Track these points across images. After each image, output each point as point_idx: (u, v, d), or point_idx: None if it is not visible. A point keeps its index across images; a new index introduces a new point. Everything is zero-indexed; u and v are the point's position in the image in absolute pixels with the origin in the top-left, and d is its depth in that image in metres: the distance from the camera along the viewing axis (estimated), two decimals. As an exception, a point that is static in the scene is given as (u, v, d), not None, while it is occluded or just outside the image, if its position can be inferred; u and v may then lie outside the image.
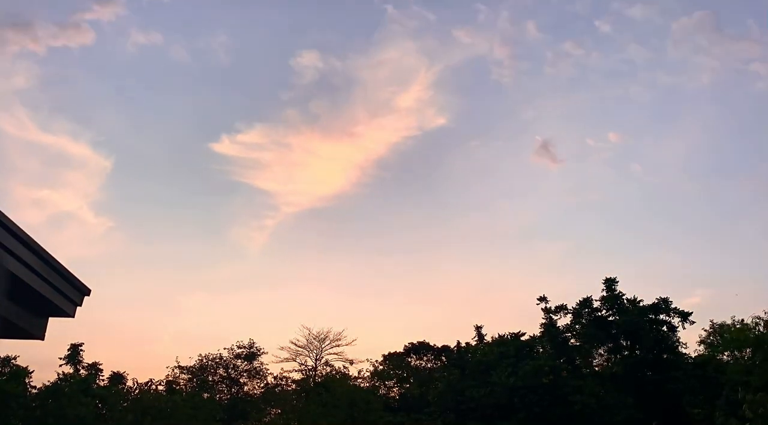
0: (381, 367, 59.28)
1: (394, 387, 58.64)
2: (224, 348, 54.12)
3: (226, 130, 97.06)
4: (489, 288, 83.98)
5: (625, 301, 48.77)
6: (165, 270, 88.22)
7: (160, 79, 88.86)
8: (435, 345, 60.89)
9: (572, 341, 50.41)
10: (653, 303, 48.21)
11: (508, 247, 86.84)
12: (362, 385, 54.01)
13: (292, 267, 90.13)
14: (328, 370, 55.55)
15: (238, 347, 54.08)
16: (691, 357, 47.49)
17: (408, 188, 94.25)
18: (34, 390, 41.40)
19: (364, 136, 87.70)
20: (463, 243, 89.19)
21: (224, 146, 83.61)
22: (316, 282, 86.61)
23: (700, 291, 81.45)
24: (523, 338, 50.77)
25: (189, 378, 52.59)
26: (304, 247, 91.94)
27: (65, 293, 6.43)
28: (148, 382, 47.84)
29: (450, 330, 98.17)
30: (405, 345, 61.14)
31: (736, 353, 40.15)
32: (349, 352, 57.31)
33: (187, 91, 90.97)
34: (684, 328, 47.76)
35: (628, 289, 49.74)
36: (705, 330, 46.26)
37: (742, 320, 41.21)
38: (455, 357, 55.42)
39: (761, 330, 37.55)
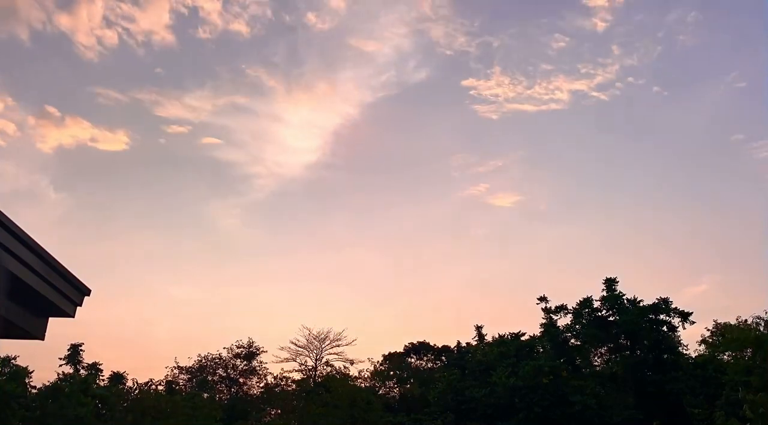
0: (381, 367, 59.32)
1: (394, 387, 58.67)
2: (224, 348, 54.24)
3: (176, 89, 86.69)
4: (489, 287, 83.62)
5: (625, 301, 48.79)
6: (141, 256, 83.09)
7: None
8: (435, 345, 61.02)
9: (572, 341, 50.43)
10: (653, 303, 48.23)
11: (508, 244, 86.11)
12: (362, 385, 54.00)
13: (273, 258, 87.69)
14: (329, 370, 55.60)
15: (238, 347, 54.14)
16: (691, 357, 47.52)
17: (389, 164, 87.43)
18: (34, 390, 41.36)
19: (336, 93, 79.80)
20: (459, 237, 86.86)
21: (176, 109, 76.39)
22: (298, 276, 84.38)
23: (707, 278, 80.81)
24: (523, 338, 50.83)
25: (189, 378, 52.64)
26: (284, 234, 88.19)
27: (65, 293, 6.41)
28: (148, 382, 47.93)
29: (450, 330, 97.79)
30: (405, 345, 61.28)
31: (736, 353, 40.10)
32: (349, 352, 57.45)
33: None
34: (684, 328, 47.89)
35: (629, 288, 50.11)
36: (706, 330, 46.23)
37: (745, 320, 41.17)
38: (455, 357, 55.48)
39: (762, 329, 37.48)
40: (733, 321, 42.84)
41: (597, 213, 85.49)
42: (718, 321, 45.29)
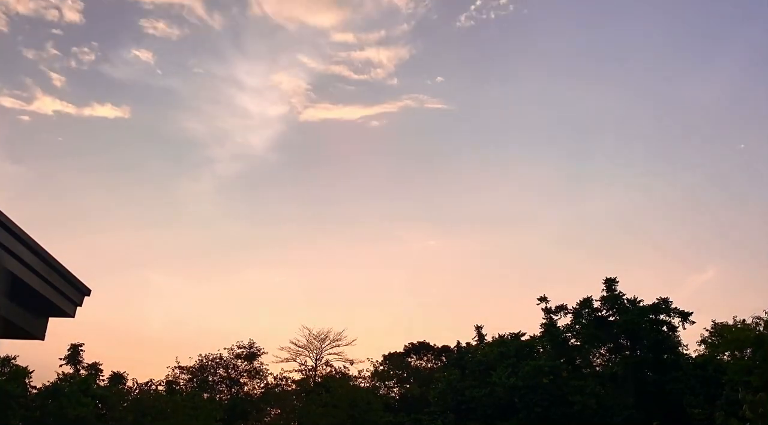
0: (381, 367, 59.34)
1: (394, 387, 58.70)
2: (224, 348, 54.20)
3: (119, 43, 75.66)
4: (490, 287, 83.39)
5: (625, 301, 48.79)
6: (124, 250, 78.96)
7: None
8: (435, 345, 61.04)
9: (572, 341, 50.42)
10: (653, 303, 48.24)
11: (508, 244, 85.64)
12: (362, 385, 54.02)
13: (269, 256, 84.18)
14: (329, 370, 55.62)
15: (239, 347, 54.11)
16: (691, 357, 47.52)
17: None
18: (34, 390, 41.39)
19: (304, 41, 72.88)
20: (459, 234, 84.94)
21: (118, 70, 71.01)
22: (295, 274, 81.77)
23: (713, 267, 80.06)
24: (523, 338, 50.80)
25: (189, 378, 52.61)
26: (260, 217, 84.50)
27: (65, 293, 6.41)
28: (148, 382, 47.93)
29: (450, 330, 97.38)
30: (405, 345, 61.30)
31: (736, 353, 40.14)
32: (349, 352, 57.46)
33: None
34: (684, 328, 47.89)
35: (629, 288, 49.95)
36: (705, 330, 46.25)
37: (743, 320, 41.21)
38: (455, 357, 55.46)
39: (761, 329, 37.53)
40: (730, 321, 42.96)
41: (596, 209, 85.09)
42: (716, 321, 45.38)
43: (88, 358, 49.13)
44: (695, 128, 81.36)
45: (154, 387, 47.89)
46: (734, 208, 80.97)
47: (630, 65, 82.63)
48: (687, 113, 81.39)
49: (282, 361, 55.43)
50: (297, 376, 55.28)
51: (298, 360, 55.89)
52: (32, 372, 41.99)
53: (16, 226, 5.42)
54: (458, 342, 57.47)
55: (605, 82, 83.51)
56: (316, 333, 55.75)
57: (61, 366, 47.67)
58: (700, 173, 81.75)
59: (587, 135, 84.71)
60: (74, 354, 48.50)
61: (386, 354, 60.51)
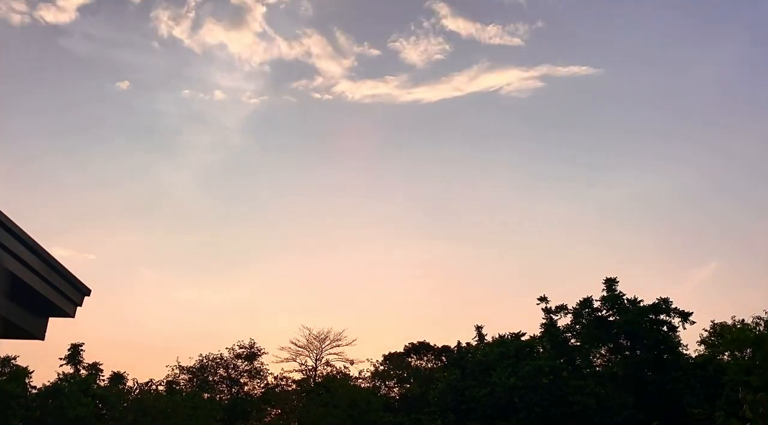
0: (381, 367, 59.32)
1: (394, 387, 58.66)
2: (225, 348, 54.22)
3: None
4: (490, 287, 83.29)
5: (625, 301, 48.80)
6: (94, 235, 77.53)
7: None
8: (435, 345, 60.99)
9: (572, 341, 50.44)
10: (653, 303, 48.26)
11: (509, 244, 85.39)
12: (363, 385, 54.00)
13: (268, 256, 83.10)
14: (329, 370, 55.62)
15: (239, 347, 54.12)
16: (691, 357, 47.52)
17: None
18: (34, 390, 41.39)
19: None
20: (459, 233, 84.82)
21: (79, 44, 68.90)
22: (294, 275, 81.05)
23: (713, 264, 79.95)
24: (523, 338, 50.80)
25: (189, 378, 52.61)
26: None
27: (65, 293, 6.41)
28: (148, 382, 47.93)
29: (450, 330, 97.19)
30: (405, 345, 61.25)
31: (736, 353, 40.19)
32: (349, 352, 57.43)
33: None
34: (684, 328, 47.90)
35: (629, 288, 49.86)
36: (704, 330, 46.29)
37: (743, 320, 41.27)
38: (455, 357, 55.44)
39: (761, 329, 37.58)
40: (730, 320, 43.03)
41: (596, 209, 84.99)
42: (715, 322, 45.45)
43: (88, 358, 49.11)
44: (694, 124, 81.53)
45: (154, 387, 47.91)
46: (734, 206, 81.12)
47: (629, 58, 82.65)
48: (685, 108, 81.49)
49: (282, 361, 55.51)
50: (297, 376, 55.36)
51: (298, 360, 55.96)
52: (32, 372, 42.04)
53: (16, 226, 5.41)
54: (458, 342, 57.50)
55: (603, 76, 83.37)
56: (316, 333, 55.83)
57: (61, 366, 47.63)
58: (699, 171, 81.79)
59: (587, 134, 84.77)
60: (74, 354, 48.44)
61: (386, 354, 60.53)
